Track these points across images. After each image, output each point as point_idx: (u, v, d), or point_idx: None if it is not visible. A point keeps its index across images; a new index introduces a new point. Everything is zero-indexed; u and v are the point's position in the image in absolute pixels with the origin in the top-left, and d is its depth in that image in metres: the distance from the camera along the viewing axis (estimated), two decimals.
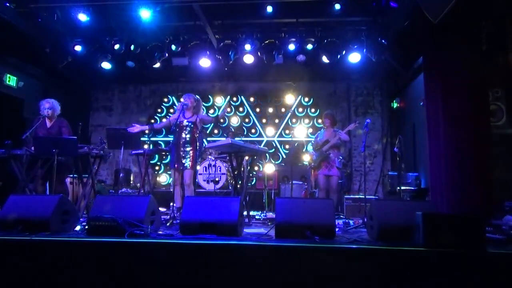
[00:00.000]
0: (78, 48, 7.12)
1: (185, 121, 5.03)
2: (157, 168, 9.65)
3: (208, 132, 9.52)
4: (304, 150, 9.10)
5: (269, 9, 6.19)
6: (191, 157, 4.97)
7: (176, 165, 4.95)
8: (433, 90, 5.56)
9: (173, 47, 7.04)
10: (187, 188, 4.98)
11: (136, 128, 5.24)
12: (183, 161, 4.95)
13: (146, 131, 5.40)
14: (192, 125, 5.05)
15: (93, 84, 9.94)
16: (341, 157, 6.14)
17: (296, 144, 9.18)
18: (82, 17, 6.22)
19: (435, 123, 5.45)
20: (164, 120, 8.50)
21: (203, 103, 8.76)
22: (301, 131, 9.26)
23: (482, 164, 4.76)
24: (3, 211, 3.60)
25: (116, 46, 7.09)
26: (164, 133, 9.71)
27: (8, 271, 2.91)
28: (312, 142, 6.13)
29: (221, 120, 7.89)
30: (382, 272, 2.73)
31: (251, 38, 6.92)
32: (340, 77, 9.39)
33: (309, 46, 6.91)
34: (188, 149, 4.98)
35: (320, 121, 9.04)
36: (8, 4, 6.13)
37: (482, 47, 5.04)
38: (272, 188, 7.40)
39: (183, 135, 5.00)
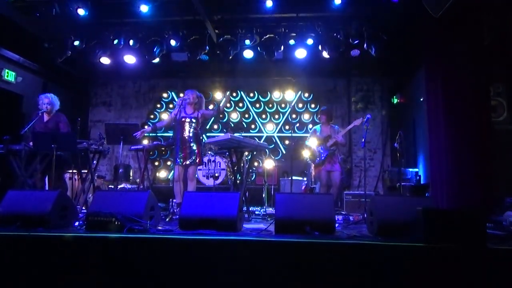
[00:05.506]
0: (77, 43, 7.08)
1: (187, 118, 5.00)
2: (156, 163, 9.63)
3: (207, 127, 9.50)
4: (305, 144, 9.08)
5: (269, 3, 6.15)
6: (197, 153, 4.97)
7: (182, 161, 4.92)
8: (433, 86, 5.54)
9: (173, 42, 6.99)
10: (190, 183, 4.98)
11: (141, 133, 5.20)
12: (190, 157, 4.93)
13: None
14: (195, 121, 5.02)
15: (92, 80, 9.92)
16: (341, 153, 6.13)
17: (296, 140, 9.16)
18: (81, 11, 6.18)
19: (435, 119, 5.43)
20: (165, 117, 8.47)
21: None
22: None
23: (483, 160, 4.74)
24: (1, 206, 3.58)
25: (115, 41, 7.06)
26: (163, 128, 9.68)
27: (7, 267, 2.90)
28: (309, 137, 6.08)
29: (221, 116, 7.83)
30: (382, 267, 2.72)
31: (251, 33, 6.87)
32: (340, 73, 9.36)
33: (309, 41, 6.87)
34: (193, 144, 4.96)
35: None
36: None
37: (483, 41, 5.00)
38: (271, 183, 7.39)
39: (187, 131, 4.97)
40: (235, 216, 3.39)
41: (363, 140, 5.40)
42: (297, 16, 6.79)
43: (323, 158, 5.77)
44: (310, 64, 8.10)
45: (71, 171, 5.94)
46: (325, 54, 7.02)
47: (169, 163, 9.45)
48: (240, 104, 9.74)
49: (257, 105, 9.74)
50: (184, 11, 6.61)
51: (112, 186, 7.48)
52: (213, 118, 4.82)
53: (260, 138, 9.44)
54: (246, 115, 9.73)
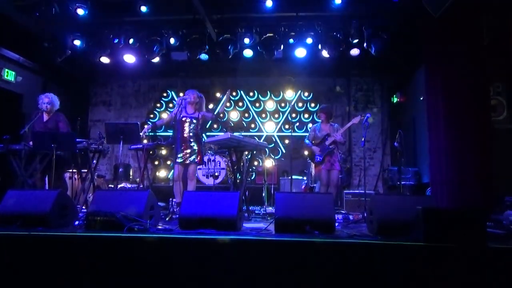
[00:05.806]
0: (77, 42, 7.08)
1: (188, 117, 5.00)
2: (156, 163, 9.62)
3: (207, 127, 9.49)
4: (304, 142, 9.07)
5: (269, 3, 6.15)
6: (197, 152, 4.97)
7: (182, 160, 4.93)
8: (433, 85, 5.53)
9: (172, 41, 6.98)
10: (190, 182, 4.99)
11: (144, 134, 5.23)
12: (190, 156, 4.93)
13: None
14: (195, 121, 5.03)
15: (92, 79, 9.91)
16: (341, 152, 6.12)
17: (296, 139, 9.15)
18: (80, 11, 6.17)
19: (435, 118, 5.42)
20: (164, 116, 8.47)
21: None
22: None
23: (483, 159, 4.74)
24: (1, 205, 3.57)
25: (115, 41, 7.05)
26: (163, 128, 9.68)
27: (7, 266, 2.90)
28: (308, 135, 6.07)
29: (221, 115, 7.89)
30: (382, 267, 2.72)
31: (251, 32, 6.86)
32: (340, 72, 9.35)
33: (309, 41, 6.86)
34: (193, 144, 4.97)
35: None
36: None
37: (483, 40, 5.00)
38: (271, 182, 7.39)
39: (187, 131, 4.97)
40: (235, 216, 3.39)
41: (363, 139, 5.40)
42: (297, 15, 6.78)
43: (328, 147, 5.71)
44: (310, 64, 8.10)
45: (71, 170, 5.94)
46: (325, 53, 7.01)
47: (169, 162, 9.44)
48: (240, 104, 9.73)
49: (257, 105, 9.73)
50: (183, 10, 6.60)
51: (112, 186, 7.48)
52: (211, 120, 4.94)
53: (260, 137, 9.44)
54: (246, 115, 9.71)
